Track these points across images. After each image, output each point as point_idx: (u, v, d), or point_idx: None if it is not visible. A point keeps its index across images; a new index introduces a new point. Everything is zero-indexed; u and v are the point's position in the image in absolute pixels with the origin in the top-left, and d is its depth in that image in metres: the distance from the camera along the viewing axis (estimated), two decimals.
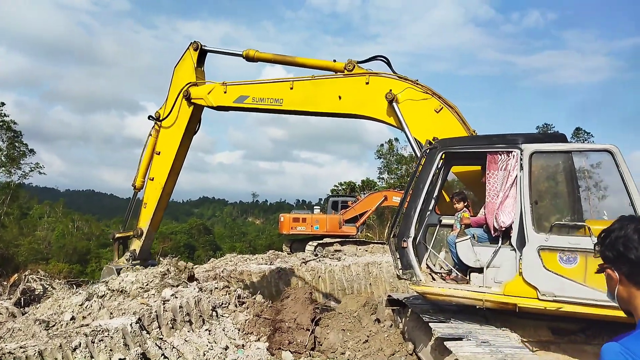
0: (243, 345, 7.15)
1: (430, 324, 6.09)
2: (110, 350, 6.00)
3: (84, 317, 6.63)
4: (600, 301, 5.17)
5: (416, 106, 7.17)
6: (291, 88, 8.04)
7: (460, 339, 5.44)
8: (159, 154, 9.04)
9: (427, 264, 7.02)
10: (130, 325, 6.49)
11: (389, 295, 8.66)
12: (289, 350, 7.35)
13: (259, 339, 7.44)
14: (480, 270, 6.13)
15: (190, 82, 8.75)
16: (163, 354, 6.49)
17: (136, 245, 9.21)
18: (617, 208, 6.10)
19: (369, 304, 8.56)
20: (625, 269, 1.68)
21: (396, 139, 70.04)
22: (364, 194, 27.69)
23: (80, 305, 6.79)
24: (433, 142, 6.77)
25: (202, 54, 8.97)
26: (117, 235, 9.32)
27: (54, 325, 6.36)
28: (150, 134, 9.23)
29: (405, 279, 6.59)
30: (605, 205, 6.91)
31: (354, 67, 7.74)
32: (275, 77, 8.57)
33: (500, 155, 6.06)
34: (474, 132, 7.10)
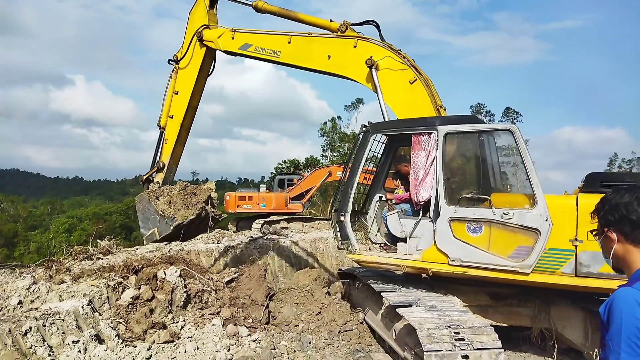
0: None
1: (382, 293, 6.47)
2: (63, 333, 5.88)
3: (32, 301, 6.40)
4: (500, 266, 5.93)
5: (392, 75, 7.46)
6: (289, 42, 8.42)
7: (410, 305, 5.85)
8: (177, 93, 9.73)
9: (369, 236, 7.54)
10: (82, 307, 6.37)
11: (340, 269, 9.02)
12: (245, 326, 7.51)
13: (214, 316, 7.54)
14: (405, 240, 6.84)
15: (203, 25, 9.29)
16: (117, 334, 6.44)
17: (159, 177, 10.10)
18: (522, 182, 6.70)
19: (320, 278, 8.88)
20: (628, 229, 1.98)
21: (339, 117, 70.89)
22: (309, 171, 27.93)
23: (27, 289, 6.54)
24: (367, 126, 7.24)
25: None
26: (144, 177, 10.22)
27: (0, 310, 6.11)
28: (170, 77, 9.87)
29: (343, 249, 7.41)
30: (519, 179, 7.52)
31: (347, 29, 8.03)
32: (269, 30, 8.82)
33: (422, 136, 6.63)
34: (442, 107, 7.40)
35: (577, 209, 5.60)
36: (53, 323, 5.87)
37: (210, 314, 7.57)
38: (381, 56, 7.57)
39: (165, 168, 9.96)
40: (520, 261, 5.83)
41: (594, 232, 2.16)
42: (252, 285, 8.15)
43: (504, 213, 5.97)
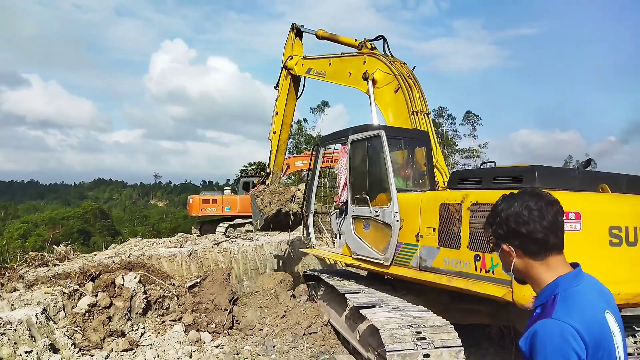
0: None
1: (345, 295, 6.50)
2: (15, 343, 5.61)
3: None
4: (374, 259, 6.63)
5: (382, 85, 8.16)
6: (329, 64, 9.44)
7: (373, 306, 5.90)
8: (277, 113, 11.28)
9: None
10: (36, 316, 6.11)
11: (305, 271, 9.01)
12: (207, 331, 7.38)
13: (176, 322, 7.38)
14: (340, 236, 7.71)
15: (289, 55, 10.67)
16: (73, 343, 6.21)
17: (268, 180, 11.55)
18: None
19: (285, 281, 8.84)
20: (519, 243, 1.73)
21: (305, 120, 70.89)
22: (259, 168, 27.67)
23: None
24: (318, 140, 8.46)
25: (299, 32, 10.86)
26: (260, 180, 12.41)
27: None
28: (275, 100, 11.41)
29: (305, 243, 8.63)
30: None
31: (363, 46, 8.86)
32: (324, 54, 9.89)
33: (344, 145, 7.51)
34: (420, 112, 7.74)
35: (420, 205, 5.96)
36: (4, 333, 5.60)
37: (172, 320, 7.41)
38: (373, 69, 8.17)
39: (272, 173, 11.54)
40: (384, 255, 6.46)
41: (491, 245, 1.87)
42: (215, 289, 8.03)
43: (375, 211, 6.58)
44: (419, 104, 7.72)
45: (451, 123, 70.41)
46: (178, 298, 7.98)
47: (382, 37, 8.78)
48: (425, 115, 7.77)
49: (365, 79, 8.09)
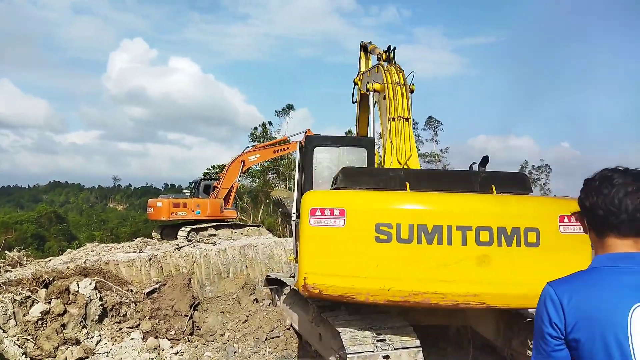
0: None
1: (308, 299, 6.50)
2: None
3: None
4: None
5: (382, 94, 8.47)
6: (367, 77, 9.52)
7: (334, 309, 5.93)
8: (356, 126, 11.34)
9: None
10: None
11: (268, 275, 8.96)
12: (167, 338, 7.24)
13: (133, 329, 7.19)
14: None
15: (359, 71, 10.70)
16: (24, 353, 5.95)
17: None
18: None
19: (247, 286, 8.77)
20: (585, 215, 1.76)
21: (270, 123, 70.54)
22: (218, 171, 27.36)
23: None
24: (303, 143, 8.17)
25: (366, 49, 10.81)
26: None
27: None
28: None
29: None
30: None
31: (380, 57, 9.06)
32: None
33: None
34: (398, 118, 7.89)
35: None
36: None
37: (129, 328, 7.22)
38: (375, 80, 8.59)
39: None
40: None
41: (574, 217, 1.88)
42: (175, 295, 7.88)
43: (296, 216, 6.57)
44: (400, 109, 7.93)
45: (414, 128, 71.79)
46: (136, 304, 7.78)
47: (389, 46, 9.13)
48: (404, 120, 7.97)
49: (367, 90, 8.49)
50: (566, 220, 4.70)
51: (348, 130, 68.29)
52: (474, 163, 6.77)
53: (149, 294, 8.10)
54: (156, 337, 7.16)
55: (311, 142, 7.49)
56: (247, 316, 7.64)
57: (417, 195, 5.08)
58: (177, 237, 19.33)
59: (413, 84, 8.50)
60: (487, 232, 4.67)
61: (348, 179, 5.41)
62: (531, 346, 6.16)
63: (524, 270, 4.66)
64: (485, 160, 6.73)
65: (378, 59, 9.24)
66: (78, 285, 7.26)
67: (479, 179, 5.28)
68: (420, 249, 4.68)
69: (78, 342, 6.66)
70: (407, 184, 5.20)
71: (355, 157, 7.55)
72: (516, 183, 5.35)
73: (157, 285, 8.30)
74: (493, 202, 4.95)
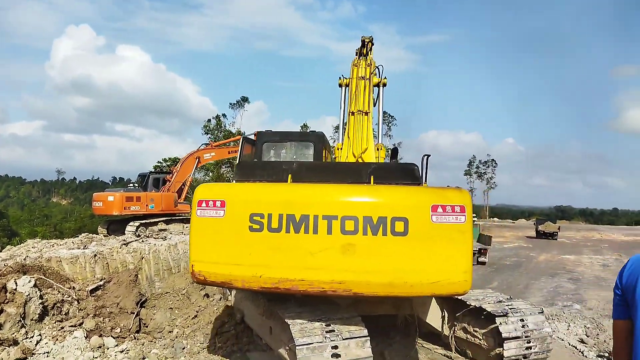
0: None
1: (258, 292, 6.49)
2: None
3: None
4: None
5: None
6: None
7: (285, 302, 5.96)
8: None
9: None
10: None
11: None
12: (111, 336, 7.02)
13: (76, 328, 6.92)
14: None
15: None
16: None
17: None
18: None
19: None
20: None
21: (224, 115, 69.33)
22: (175, 164, 26.74)
23: None
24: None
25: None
26: None
27: None
28: None
29: None
30: None
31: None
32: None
33: None
34: (356, 112, 8.01)
35: None
36: None
37: (72, 326, 6.94)
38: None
39: None
40: None
41: None
42: (120, 292, 7.65)
43: None
44: (360, 104, 8.00)
45: (390, 122, 72.81)
46: (79, 302, 7.49)
47: (364, 41, 9.16)
48: (364, 114, 8.03)
49: (340, 85, 8.50)
50: (440, 210, 4.80)
51: (304, 124, 68.35)
52: (425, 155, 7.01)
53: (92, 291, 7.81)
54: (100, 336, 6.92)
55: (261, 138, 7.52)
56: (197, 312, 7.53)
57: (288, 186, 5.27)
58: (125, 232, 18.72)
59: (385, 78, 8.58)
60: (352, 221, 4.79)
61: (243, 172, 5.67)
62: (474, 333, 6.45)
63: (390, 258, 4.77)
64: (394, 152, 6.97)
65: (356, 53, 9.32)
66: (16, 283, 6.90)
67: (369, 171, 5.39)
68: (288, 237, 4.87)
69: (16, 343, 6.34)
70: (290, 176, 5.38)
71: (303, 152, 7.61)
72: (406, 174, 5.47)
73: (102, 282, 8.01)
74: (361, 192, 5.06)
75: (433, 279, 4.76)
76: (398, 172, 5.64)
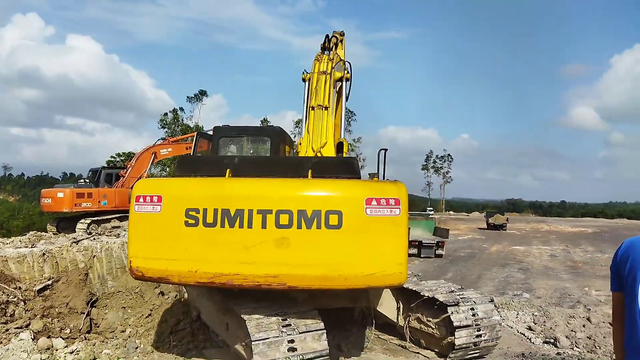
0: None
1: (213, 289, 6.41)
2: None
3: None
4: None
5: None
6: None
7: (240, 298, 5.92)
8: None
9: None
10: None
11: None
12: (61, 337, 6.77)
13: (22, 329, 6.63)
14: None
15: None
16: None
17: None
18: None
19: None
20: None
21: (181, 109, 67.72)
22: (129, 159, 25.93)
23: None
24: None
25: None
26: None
27: None
28: None
29: None
30: None
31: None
32: None
33: None
34: (317, 107, 7.84)
35: None
36: None
37: (17, 328, 6.65)
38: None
39: None
40: None
41: None
42: (70, 292, 7.38)
43: None
44: (320, 98, 7.95)
45: (351, 117, 73.29)
46: (25, 303, 7.17)
47: (327, 35, 9.11)
48: (324, 109, 8.00)
49: (303, 80, 8.35)
50: (374, 202, 4.89)
51: (264, 119, 67.78)
52: (382, 149, 7.14)
53: (40, 291, 7.49)
54: (49, 337, 6.66)
55: (218, 133, 7.44)
56: (151, 310, 7.37)
57: (223, 181, 5.29)
58: (76, 230, 18.04)
59: (348, 72, 8.59)
60: (287, 215, 4.86)
61: (183, 167, 5.69)
62: (427, 323, 6.61)
63: (324, 251, 4.85)
64: (339, 146, 7.06)
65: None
66: None
67: (310, 165, 5.45)
68: (223, 232, 4.90)
69: None
70: (228, 170, 5.39)
71: (260, 147, 7.57)
72: (345, 168, 5.55)
73: (50, 282, 7.69)
74: (296, 186, 5.13)
75: (367, 271, 4.83)
76: (337, 166, 5.69)
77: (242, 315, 5.31)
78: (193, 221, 4.92)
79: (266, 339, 4.95)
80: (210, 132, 7.94)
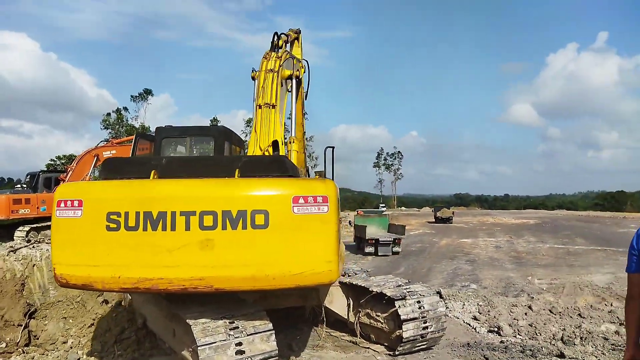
0: None
1: (161, 296, 6.24)
2: None
3: None
4: None
5: None
6: None
7: (186, 302, 5.79)
8: None
9: None
10: None
11: None
12: None
13: None
14: None
15: None
16: None
17: None
18: None
19: None
20: None
21: (125, 109, 65.35)
22: (70, 162, 24.78)
23: None
24: None
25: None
26: None
27: None
28: None
29: None
30: None
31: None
32: None
33: None
34: (263, 105, 7.74)
35: None
36: None
37: None
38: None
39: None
40: None
41: None
42: (5, 303, 6.98)
43: None
44: (268, 97, 7.86)
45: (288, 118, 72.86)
46: None
47: (275, 33, 8.96)
48: (271, 107, 7.92)
49: (252, 78, 8.15)
50: (301, 201, 4.88)
51: (213, 118, 66.53)
52: (329, 147, 7.27)
53: None
54: None
55: (160, 134, 7.24)
56: (94, 320, 7.09)
57: (144, 183, 5.20)
58: (14, 237, 17.04)
59: (303, 69, 8.54)
60: (211, 216, 4.80)
61: (109, 169, 5.57)
62: (376, 317, 6.73)
63: (251, 252, 4.82)
64: (275, 144, 7.13)
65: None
66: None
67: (239, 164, 5.40)
68: (145, 235, 4.81)
69: None
70: (153, 172, 5.30)
71: (203, 147, 7.45)
72: (275, 166, 5.52)
73: None
74: (221, 186, 5.09)
75: (296, 270, 4.81)
76: (267, 164, 5.63)
77: (187, 320, 5.20)
78: (114, 225, 4.78)
79: (213, 343, 4.86)
80: (151, 134, 7.76)
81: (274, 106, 8.05)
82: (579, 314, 8.56)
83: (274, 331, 5.26)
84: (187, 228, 4.74)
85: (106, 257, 4.79)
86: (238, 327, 5.10)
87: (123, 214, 4.78)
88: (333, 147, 8.18)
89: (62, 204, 4.91)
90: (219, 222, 4.75)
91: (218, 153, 7.18)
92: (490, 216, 53.80)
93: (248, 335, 5.06)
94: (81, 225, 4.83)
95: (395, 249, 21.58)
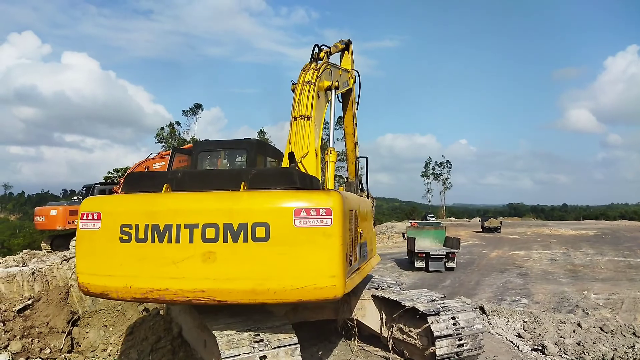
0: None
1: (193, 306, 6.33)
2: None
3: None
4: None
5: None
6: None
7: (217, 313, 5.83)
8: None
9: None
10: None
11: None
12: (40, 358, 6.69)
13: (1, 351, 6.55)
14: None
15: None
16: None
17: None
18: None
19: None
20: None
21: (178, 123, 67.94)
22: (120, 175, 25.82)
23: None
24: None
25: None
26: None
27: None
28: None
29: None
30: None
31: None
32: None
33: None
34: (298, 117, 7.78)
35: None
36: None
37: None
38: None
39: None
40: None
41: None
42: (50, 311, 7.31)
43: None
44: (303, 109, 7.92)
45: (325, 128, 73.19)
46: (5, 324, 7.09)
47: (315, 45, 9.02)
48: (306, 119, 7.97)
49: (292, 90, 8.24)
50: (303, 213, 4.75)
51: (261, 130, 67.75)
52: (362, 157, 7.18)
53: (20, 311, 7.42)
54: (28, 358, 6.59)
55: (196, 148, 7.51)
56: (133, 328, 7.28)
57: (154, 196, 5.32)
58: (70, 247, 17.96)
59: (337, 81, 8.57)
60: (213, 229, 4.78)
61: (130, 183, 5.78)
62: (409, 333, 6.47)
63: (252, 265, 4.74)
64: (291, 156, 7.01)
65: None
66: None
67: (249, 177, 5.35)
68: (153, 247, 4.89)
69: None
70: (165, 185, 5.40)
71: (237, 160, 7.59)
72: (284, 179, 5.40)
73: (30, 302, 7.62)
74: (223, 199, 5.03)
75: (298, 284, 4.70)
76: (275, 177, 5.55)
77: (213, 332, 5.22)
78: (127, 237, 4.94)
79: (237, 355, 4.85)
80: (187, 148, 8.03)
81: (309, 118, 8.04)
82: (634, 333, 7.90)
83: (299, 345, 5.18)
84: (191, 240, 4.81)
85: (119, 268, 4.97)
86: (263, 340, 5.06)
87: (134, 227, 4.94)
88: (366, 157, 8.03)
89: (85, 217, 5.15)
90: (220, 234, 4.76)
91: (250, 165, 7.27)
92: (546, 227, 51.42)
93: (273, 348, 5.00)
94: (99, 237, 5.06)
95: (450, 264, 20.17)
